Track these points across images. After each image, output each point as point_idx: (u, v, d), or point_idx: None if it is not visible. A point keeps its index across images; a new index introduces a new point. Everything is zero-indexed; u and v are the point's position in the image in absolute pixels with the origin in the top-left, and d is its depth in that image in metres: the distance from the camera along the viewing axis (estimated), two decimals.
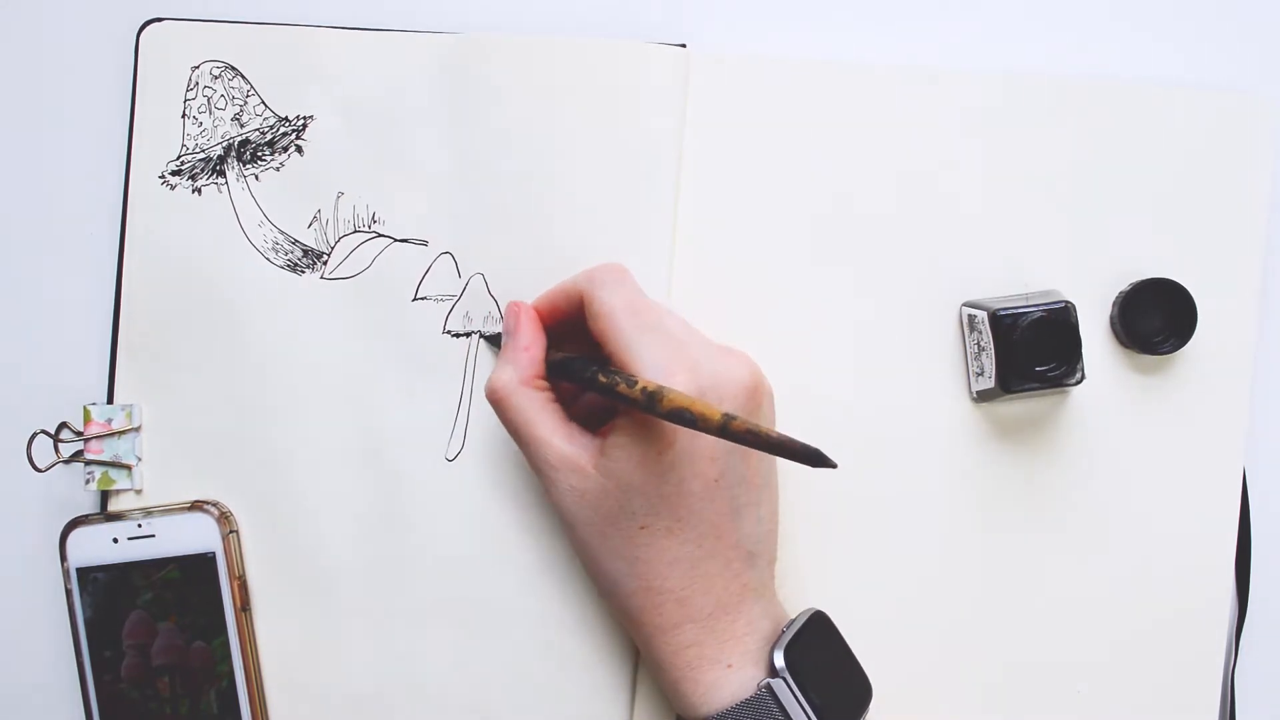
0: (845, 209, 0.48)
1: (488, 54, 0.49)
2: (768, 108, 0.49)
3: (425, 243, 0.49)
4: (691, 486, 0.40)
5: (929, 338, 0.48)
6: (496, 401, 0.43)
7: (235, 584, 0.48)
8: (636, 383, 0.39)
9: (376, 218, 0.49)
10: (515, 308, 0.46)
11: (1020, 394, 0.44)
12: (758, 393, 0.42)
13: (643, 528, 0.41)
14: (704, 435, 0.39)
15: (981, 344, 0.45)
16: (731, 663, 0.40)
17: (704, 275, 0.48)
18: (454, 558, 0.49)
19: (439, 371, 0.49)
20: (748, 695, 0.40)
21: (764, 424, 0.43)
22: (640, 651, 0.44)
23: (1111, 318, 0.48)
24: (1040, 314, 0.43)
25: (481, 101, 0.49)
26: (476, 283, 0.49)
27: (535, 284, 0.48)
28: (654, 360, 0.40)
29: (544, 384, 0.44)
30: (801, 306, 0.48)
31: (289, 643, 0.49)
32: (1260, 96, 0.48)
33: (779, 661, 0.40)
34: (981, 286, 0.48)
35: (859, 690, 0.43)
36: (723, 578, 0.41)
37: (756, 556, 0.42)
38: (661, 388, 0.38)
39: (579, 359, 0.43)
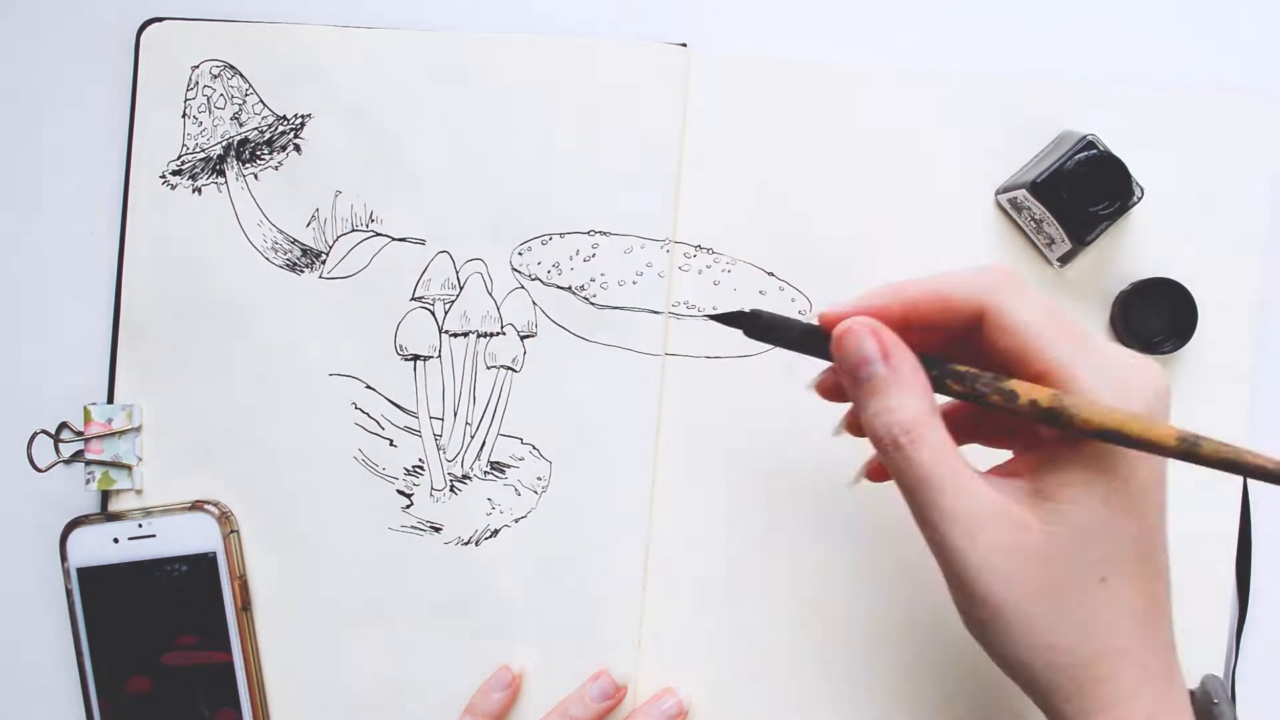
0: (846, 208, 0.48)
1: (487, 54, 0.49)
2: (768, 108, 0.49)
3: (423, 241, 0.49)
4: (1151, 521, 0.34)
5: None
6: (911, 441, 0.34)
7: (236, 584, 0.48)
8: (1018, 396, 0.33)
9: (374, 216, 0.49)
10: (865, 327, 0.35)
11: (1097, 240, 0.45)
12: (1168, 397, 0.35)
13: (1103, 579, 0.34)
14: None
15: (1036, 217, 0.45)
16: None
17: (704, 275, 0.48)
18: (454, 557, 0.49)
19: (437, 370, 0.49)
20: None
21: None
22: None
23: (1111, 318, 0.48)
24: (1072, 162, 0.44)
25: (481, 101, 0.49)
26: (475, 282, 0.49)
27: (532, 283, 0.48)
28: (1105, 385, 0.33)
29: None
30: (804, 306, 0.48)
31: (289, 643, 0.49)
32: (1260, 96, 0.48)
33: None
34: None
35: None
36: (1164, 629, 0.35)
37: (1171, 602, 0.37)
38: (1058, 395, 0.33)
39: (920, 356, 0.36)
